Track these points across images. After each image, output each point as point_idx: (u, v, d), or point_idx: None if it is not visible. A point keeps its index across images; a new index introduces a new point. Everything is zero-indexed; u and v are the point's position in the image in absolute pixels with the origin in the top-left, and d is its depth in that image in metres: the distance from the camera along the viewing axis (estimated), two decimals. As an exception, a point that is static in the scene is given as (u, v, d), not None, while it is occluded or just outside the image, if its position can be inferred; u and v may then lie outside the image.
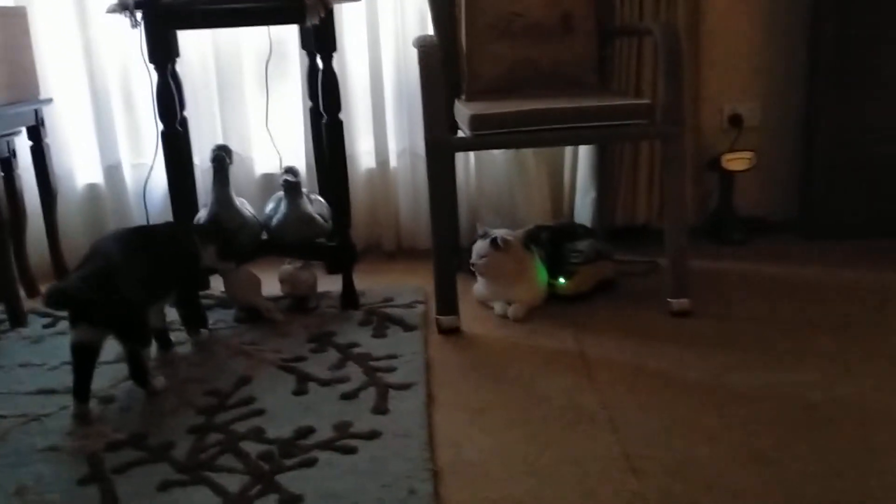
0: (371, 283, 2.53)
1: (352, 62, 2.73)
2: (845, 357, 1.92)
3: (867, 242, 2.72)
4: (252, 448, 1.62)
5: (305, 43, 2.52)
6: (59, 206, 2.66)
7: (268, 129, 2.66)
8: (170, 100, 2.11)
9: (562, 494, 1.42)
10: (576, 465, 1.51)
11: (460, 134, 2.30)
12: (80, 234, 2.80)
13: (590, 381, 1.85)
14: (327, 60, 2.18)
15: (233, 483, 1.50)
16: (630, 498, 1.40)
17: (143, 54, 2.11)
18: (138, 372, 1.85)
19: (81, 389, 1.79)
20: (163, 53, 2.08)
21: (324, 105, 2.23)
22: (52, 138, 2.62)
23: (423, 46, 2.11)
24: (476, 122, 2.08)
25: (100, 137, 2.75)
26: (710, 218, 2.87)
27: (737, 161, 2.73)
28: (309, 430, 1.67)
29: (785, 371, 1.86)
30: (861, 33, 2.64)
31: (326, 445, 1.61)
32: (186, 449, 1.63)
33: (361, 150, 2.83)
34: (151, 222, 2.62)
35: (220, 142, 2.73)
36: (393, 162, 2.83)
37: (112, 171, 2.77)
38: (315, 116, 2.58)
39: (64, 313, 1.91)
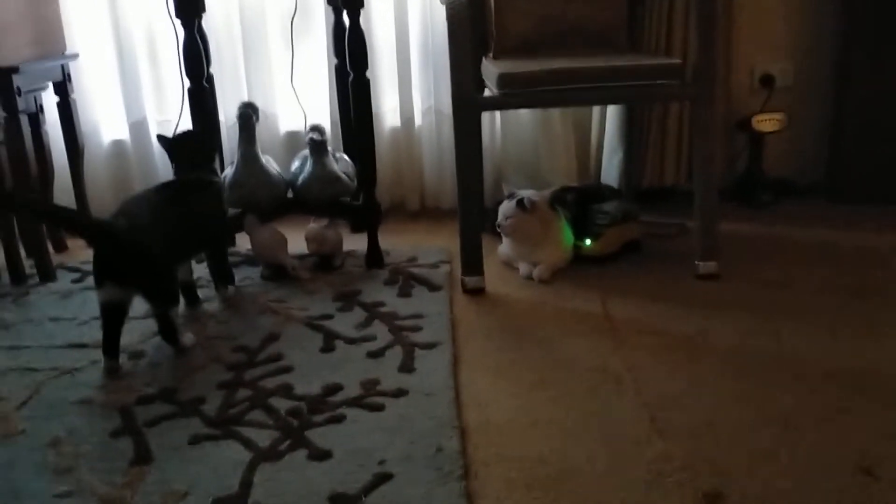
0: (395, 242, 2.53)
1: (377, 19, 2.70)
2: (872, 324, 1.90)
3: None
4: (281, 404, 1.64)
5: (331, -2, 2.51)
6: (85, 162, 2.68)
7: (293, 86, 2.65)
8: (196, 56, 2.10)
9: (587, 454, 1.43)
10: (601, 426, 1.52)
11: (487, 93, 2.27)
12: (106, 190, 2.82)
13: (615, 343, 1.85)
14: (354, 17, 2.16)
15: (262, 438, 1.52)
16: (655, 458, 1.41)
17: (169, 9, 2.10)
18: (167, 329, 1.87)
19: (111, 346, 1.82)
20: (189, 8, 2.07)
21: (350, 62, 2.22)
22: (78, 94, 2.63)
23: (452, 3, 2.08)
24: (504, 80, 2.05)
25: (125, 93, 2.75)
26: (738, 179, 2.84)
27: (767, 122, 2.69)
28: (337, 388, 1.69)
29: (811, 336, 1.85)
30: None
31: (354, 402, 1.63)
32: (216, 404, 1.65)
33: (386, 109, 2.81)
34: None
35: (246, 99, 2.72)
36: (418, 120, 2.81)
37: (137, 127, 2.78)
38: (341, 74, 2.56)
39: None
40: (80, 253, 2.63)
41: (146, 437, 1.54)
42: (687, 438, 1.47)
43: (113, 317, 1.81)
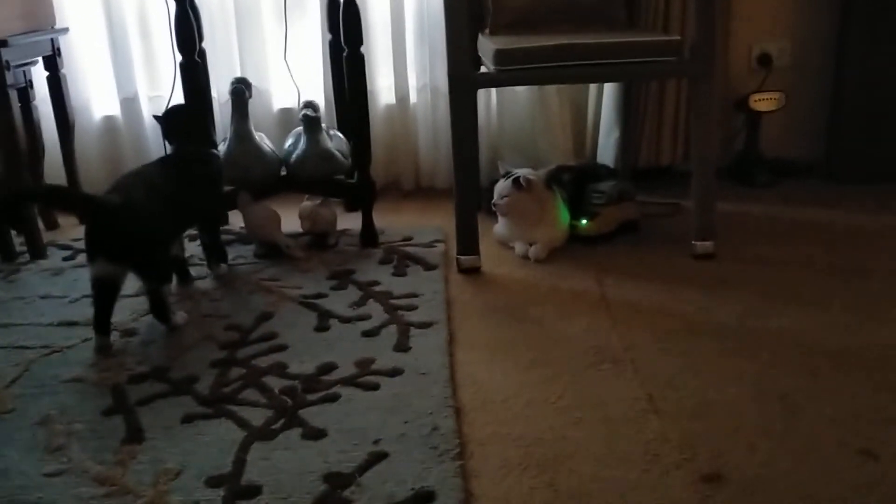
0: (390, 221, 2.51)
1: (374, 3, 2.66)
2: (870, 303, 1.90)
3: (889, 187, 2.68)
4: (275, 383, 1.62)
5: (325, -27, 2.46)
6: (76, 139, 2.64)
7: (286, 63, 2.61)
8: (188, 30, 2.07)
9: (583, 433, 1.42)
10: (597, 405, 1.51)
11: (483, 69, 2.24)
12: (97, 166, 2.79)
13: (612, 322, 1.84)
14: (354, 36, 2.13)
15: (256, 417, 1.50)
16: (652, 438, 1.40)
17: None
18: (159, 307, 1.84)
19: (102, 323, 1.80)
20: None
21: (345, 38, 2.19)
22: (68, 69, 2.58)
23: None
24: (501, 56, 2.02)
25: (116, 69, 2.71)
26: (735, 159, 2.82)
27: (765, 101, 2.67)
28: (331, 367, 1.67)
29: (808, 315, 1.84)
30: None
31: (349, 381, 1.61)
32: (209, 383, 1.63)
33: (381, 86, 2.77)
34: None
35: (238, 74, 2.69)
36: (413, 97, 2.78)
37: (128, 103, 2.74)
38: (335, 49, 2.53)
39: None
40: (72, 230, 2.59)
41: (138, 416, 1.52)
42: (685, 418, 1.46)
43: (104, 293, 1.79)
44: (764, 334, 1.76)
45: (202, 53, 2.18)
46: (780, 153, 2.83)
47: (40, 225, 2.46)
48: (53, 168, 2.63)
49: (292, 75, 2.62)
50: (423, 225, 2.49)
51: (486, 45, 2.15)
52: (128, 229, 1.75)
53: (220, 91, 2.66)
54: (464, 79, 2.05)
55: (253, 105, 2.58)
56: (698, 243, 2.17)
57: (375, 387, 1.59)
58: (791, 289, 1.99)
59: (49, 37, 2.44)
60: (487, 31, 2.33)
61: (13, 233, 2.36)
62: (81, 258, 2.31)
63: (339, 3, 2.22)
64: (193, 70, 2.10)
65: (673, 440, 1.39)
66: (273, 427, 1.47)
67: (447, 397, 1.53)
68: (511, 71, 2.04)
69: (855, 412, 1.46)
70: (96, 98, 2.78)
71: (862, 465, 1.31)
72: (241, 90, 2.19)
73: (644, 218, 2.44)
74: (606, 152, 2.73)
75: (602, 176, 2.42)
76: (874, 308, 1.87)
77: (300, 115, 2.29)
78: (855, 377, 1.58)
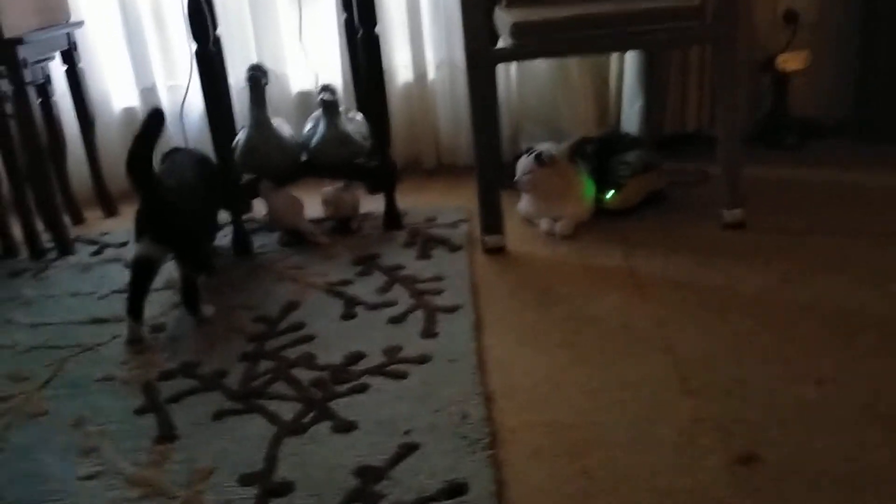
0: (413, 201, 2.48)
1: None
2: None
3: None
4: (303, 375, 1.62)
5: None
6: (97, 131, 2.64)
7: (302, 45, 2.59)
8: (202, 19, 2.04)
9: (615, 417, 1.41)
10: (629, 388, 1.49)
11: (501, 43, 2.20)
12: (119, 158, 2.77)
13: (641, 299, 1.81)
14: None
15: (286, 410, 1.51)
16: (686, 421, 1.38)
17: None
18: (190, 298, 1.85)
19: (136, 307, 1.81)
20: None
21: (359, 17, 2.15)
22: (85, 63, 2.58)
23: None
24: (518, 29, 1.98)
25: (133, 60, 2.70)
26: (762, 121, 2.75)
27: (791, 61, 2.60)
28: (359, 356, 1.67)
29: (843, 285, 1.80)
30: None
31: (377, 371, 1.61)
32: (238, 377, 1.64)
33: (398, 63, 2.74)
34: (190, 144, 2.59)
35: (254, 60, 2.67)
36: (431, 74, 2.74)
37: (147, 93, 2.73)
38: (350, 29, 2.50)
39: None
40: (98, 224, 2.61)
41: (170, 414, 1.54)
42: (718, 398, 1.43)
43: (143, 274, 1.81)
44: (797, 307, 1.72)
45: (217, 41, 2.16)
46: (808, 113, 2.75)
47: (66, 219, 2.49)
48: (76, 162, 2.64)
49: (308, 57, 2.60)
50: (446, 204, 2.46)
51: (503, 18, 2.10)
52: (179, 214, 1.79)
53: (237, 76, 2.64)
54: (481, 55, 2.01)
55: (270, 89, 2.56)
56: (727, 212, 2.13)
57: (404, 375, 1.58)
58: (824, 257, 1.94)
59: (65, 31, 2.44)
60: (504, 3, 2.28)
61: (40, 227, 2.38)
62: (109, 253, 2.33)
63: None
64: (208, 58, 2.08)
65: (707, 421, 1.37)
66: (303, 421, 1.47)
67: (476, 384, 1.52)
68: (528, 44, 2.00)
69: (893, 387, 1.43)
70: (115, 90, 2.77)
71: (902, 441, 1.29)
72: (257, 77, 2.17)
73: (671, 186, 2.40)
74: (630, 120, 2.68)
75: (627, 146, 2.38)
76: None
77: (318, 100, 2.26)
78: (893, 348, 1.54)
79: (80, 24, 2.54)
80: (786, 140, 2.68)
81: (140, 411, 1.56)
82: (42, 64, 2.43)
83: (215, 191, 2.09)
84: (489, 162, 2.09)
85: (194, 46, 2.09)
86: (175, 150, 2.14)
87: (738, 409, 1.40)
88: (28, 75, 2.22)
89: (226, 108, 2.21)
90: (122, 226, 2.55)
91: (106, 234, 2.49)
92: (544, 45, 2.01)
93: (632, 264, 1.98)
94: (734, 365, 1.53)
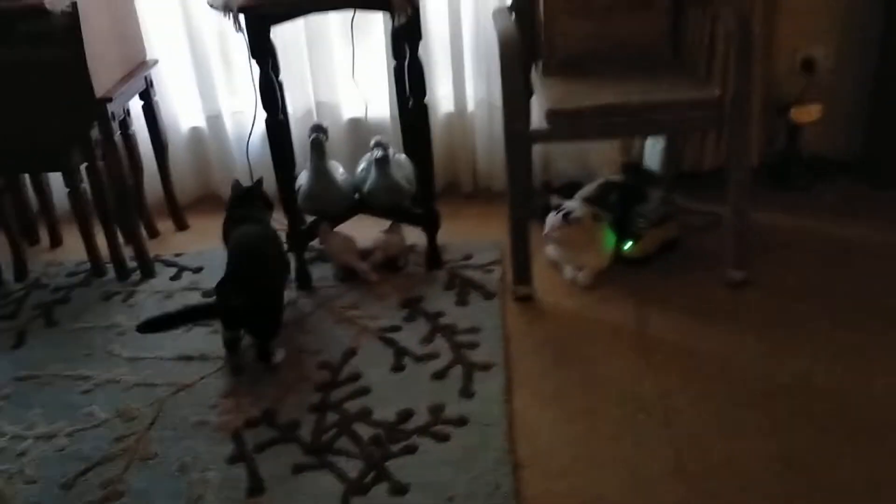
0: (451, 229, 2.71)
1: (432, 13, 2.82)
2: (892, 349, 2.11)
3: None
4: (363, 430, 1.96)
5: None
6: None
7: (354, 81, 2.84)
8: (272, 93, 2.30)
9: (617, 492, 1.74)
10: (631, 463, 1.82)
11: (535, 106, 2.45)
12: (187, 174, 3.10)
13: (647, 365, 2.12)
14: (414, 49, 2.33)
15: (350, 468, 1.85)
16: (675, 501, 1.71)
17: (247, 49, 2.28)
18: (263, 353, 2.20)
19: (233, 354, 2.24)
20: (263, 50, 2.25)
21: (410, 88, 2.41)
22: (158, 92, 2.85)
23: (504, 40, 2.24)
24: (553, 115, 2.23)
25: (201, 91, 2.97)
26: (775, 161, 2.98)
27: (805, 114, 2.81)
28: (408, 414, 2.00)
29: (831, 361, 2.07)
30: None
31: (424, 431, 1.94)
32: (310, 428, 1.98)
33: (440, 95, 2.98)
34: (253, 168, 2.84)
35: (310, 92, 2.94)
36: (470, 107, 2.99)
37: (213, 119, 3.01)
38: (398, 74, 2.74)
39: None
40: (171, 239, 2.95)
41: (257, 465, 1.89)
42: (704, 477, 1.76)
43: (235, 345, 2.24)
44: (786, 382, 2.02)
45: (284, 109, 2.43)
46: (819, 151, 2.98)
47: (143, 233, 2.81)
48: (150, 183, 2.94)
49: (360, 91, 2.86)
50: (481, 237, 2.75)
51: (540, 94, 2.35)
52: (251, 314, 2.16)
53: (294, 107, 2.91)
54: (520, 135, 2.27)
55: (322, 116, 2.88)
56: (731, 271, 2.41)
57: (446, 437, 1.92)
58: (824, 331, 2.19)
59: (144, 75, 2.70)
60: (541, 67, 2.51)
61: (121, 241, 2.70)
62: (186, 278, 2.67)
63: (402, 34, 2.41)
64: (277, 127, 2.35)
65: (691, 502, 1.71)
66: (365, 481, 1.82)
67: (507, 452, 1.86)
68: (562, 129, 2.25)
69: (870, 480, 1.71)
70: (183, 112, 3.05)
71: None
72: (319, 139, 2.45)
73: (685, 230, 2.67)
74: (652, 158, 2.93)
75: (646, 195, 2.64)
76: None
77: (372, 154, 2.54)
78: (871, 439, 1.82)
79: (155, 62, 2.80)
80: (797, 182, 2.92)
81: (232, 460, 1.91)
82: (124, 104, 2.70)
83: (284, 264, 2.43)
84: (522, 224, 2.37)
85: (265, 115, 2.35)
86: (243, 220, 2.36)
87: (725, 493, 1.72)
88: (115, 126, 2.51)
89: (290, 164, 2.48)
90: (193, 242, 2.90)
91: (180, 254, 2.82)
92: (576, 130, 2.26)
93: (641, 324, 2.28)
94: (726, 441, 1.84)
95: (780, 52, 2.88)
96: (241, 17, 2.20)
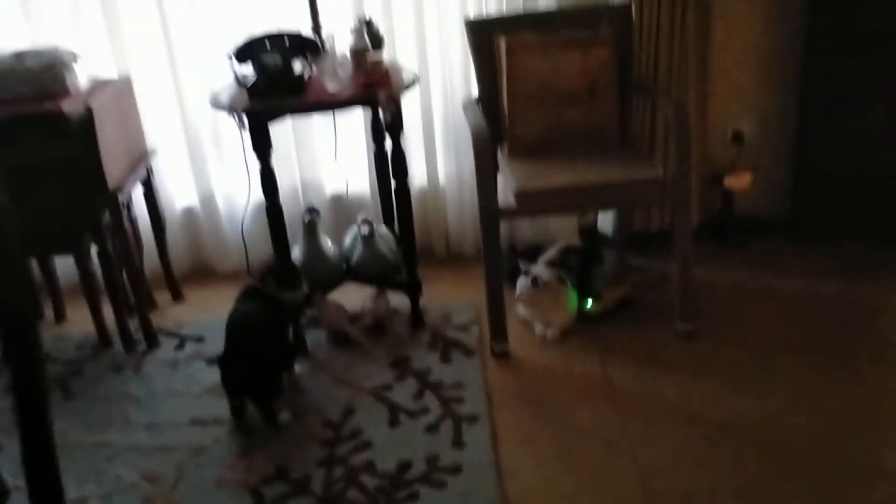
0: (428, 292, 3.00)
1: (407, 101, 3.13)
2: (824, 386, 2.46)
3: (848, 246, 3.22)
4: (368, 481, 2.23)
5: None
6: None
7: (336, 162, 3.14)
8: (272, 183, 2.59)
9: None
10: (604, 497, 2.11)
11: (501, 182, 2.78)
12: (180, 251, 3.35)
13: (614, 409, 2.43)
14: (397, 139, 2.64)
15: (362, 516, 2.12)
16: (643, 529, 2.01)
17: (243, 147, 2.58)
18: (268, 417, 2.45)
19: (239, 418, 2.48)
20: (263, 145, 2.54)
21: (393, 172, 2.72)
22: (156, 176, 3.11)
23: (476, 133, 2.57)
24: (521, 196, 2.56)
25: (195, 174, 3.24)
26: (712, 222, 3.36)
27: (737, 183, 3.20)
28: (408, 464, 2.27)
29: (772, 400, 2.41)
30: (850, 64, 3.01)
31: (423, 479, 2.21)
32: (321, 482, 2.24)
33: (415, 172, 3.28)
34: (247, 245, 3.11)
35: (297, 172, 3.23)
36: (442, 182, 3.31)
37: (206, 200, 3.27)
38: (378, 155, 3.05)
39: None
40: (169, 309, 3.19)
41: (277, 518, 2.14)
42: (668, 510, 2.07)
43: (239, 410, 2.47)
44: (732, 420, 2.34)
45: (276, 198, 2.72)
46: (750, 212, 3.36)
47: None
48: (148, 256, 3.18)
49: (342, 171, 3.16)
50: (458, 300, 3.05)
51: (507, 175, 2.68)
52: (251, 384, 2.42)
53: (283, 185, 3.17)
54: (493, 212, 2.59)
55: (306, 192, 3.17)
56: (680, 323, 2.74)
57: (444, 485, 2.19)
58: (756, 372, 2.54)
59: (146, 166, 2.96)
60: (506, 150, 2.85)
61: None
62: (189, 349, 2.90)
63: (381, 123, 2.73)
64: (277, 212, 2.64)
65: (658, 530, 2.01)
66: (376, 528, 2.09)
67: (497, 494, 2.14)
68: (529, 206, 2.59)
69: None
70: (177, 193, 3.31)
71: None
72: (313, 221, 2.75)
73: (639, 287, 3.01)
74: (606, 222, 3.28)
75: (603, 257, 2.98)
76: (828, 393, 2.43)
77: (359, 230, 2.84)
78: (808, 467, 2.14)
79: (154, 152, 3.07)
80: (732, 240, 3.30)
81: (254, 514, 2.17)
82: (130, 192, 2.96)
83: (285, 324, 2.65)
84: (497, 289, 2.68)
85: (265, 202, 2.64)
86: (249, 294, 2.60)
87: (680, 520, 2.04)
88: (124, 213, 2.77)
89: (283, 234, 2.74)
90: (190, 313, 3.14)
91: (183, 325, 3.06)
92: (541, 207, 2.60)
93: (607, 373, 2.60)
94: (684, 477, 2.14)
95: (712, 128, 3.27)
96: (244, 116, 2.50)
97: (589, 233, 3.30)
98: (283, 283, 2.61)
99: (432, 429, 2.41)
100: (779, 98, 3.26)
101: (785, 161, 3.32)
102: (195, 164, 3.23)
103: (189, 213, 3.35)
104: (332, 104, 2.55)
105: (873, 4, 2.95)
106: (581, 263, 2.94)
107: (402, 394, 2.58)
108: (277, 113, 2.54)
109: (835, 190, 3.19)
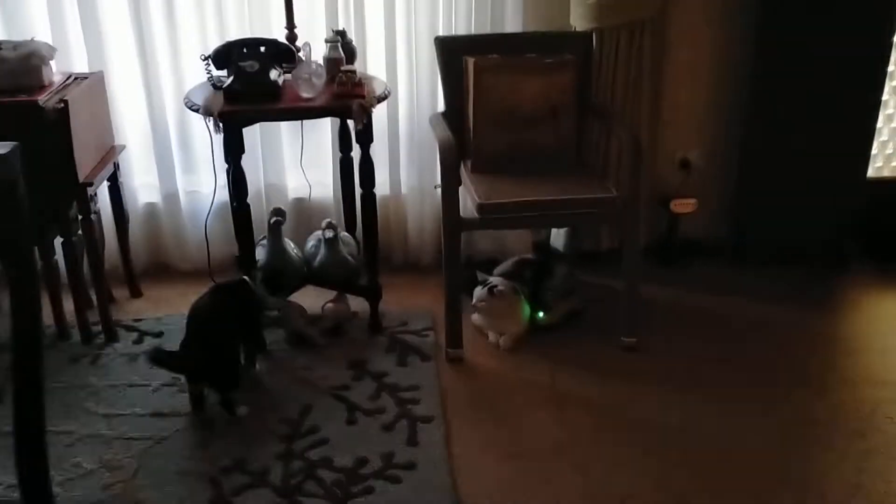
0: (386, 298, 3.09)
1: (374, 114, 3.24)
2: (749, 400, 2.64)
3: (784, 271, 3.43)
4: (326, 475, 2.31)
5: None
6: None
7: (302, 168, 3.23)
8: (242, 184, 2.67)
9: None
10: (550, 498, 2.23)
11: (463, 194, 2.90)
12: (140, 246, 3.38)
13: (560, 415, 2.56)
14: (366, 149, 2.74)
15: (319, 508, 2.20)
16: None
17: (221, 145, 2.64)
18: (227, 404, 2.52)
19: (198, 407, 2.55)
20: (236, 150, 2.62)
21: (361, 181, 2.82)
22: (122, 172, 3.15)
23: (444, 147, 2.69)
24: (483, 209, 2.69)
25: (160, 171, 3.28)
26: (658, 244, 3.53)
27: (682, 206, 3.39)
28: (364, 461, 2.36)
29: (707, 410, 2.57)
30: (791, 102, 3.23)
31: (379, 475, 2.31)
32: (279, 474, 2.31)
33: (378, 181, 3.34)
34: (210, 245, 3.17)
35: (261, 175, 3.30)
36: (404, 191, 3.41)
37: (169, 197, 3.32)
38: (343, 163, 3.14)
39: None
40: (127, 305, 3.22)
41: (237, 508, 2.21)
42: (609, 509, 2.20)
43: (199, 397, 2.55)
44: (670, 429, 2.50)
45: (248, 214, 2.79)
46: (694, 235, 3.55)
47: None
48: (109, 251, 3.21)
49: (306, 177, 3.25)
50: (415, 308, 3.16)
51: (470, 189, 2.80)
52: (210, 371, 2.49)
53: (251, 188, 3.24)
54: (456, 223, 2.71)
55: (270, 196, 3.25)
56: (625, 339, 2.90)
57: (399, 480, 2.29)
58: (692, 383, 2.72)
59: (114, 161, 3.00)
60: (469, 165, 2.97)
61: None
62: (148, 342, 2.93)
63: (349, 132, 2.83)
64: (245, 210, 2.72)
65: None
66: (333, 519, 2.17)
67: (450, 490, 2.24)
68: (490, 219, 2.71)
69: None
70: (141, 188, 3.35)
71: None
72: (279, 221, 2.82)
73: (587, 302, 3.15)
74: (558, 239, 3.43)
75: (555, 271, 3.12)
76: (755, 406, 2.62)
77: (323, 234, 2.92)
78: (740, 477, 2.32)
79: (123, 147, 3.11)
80: (676, 261, 3.48)
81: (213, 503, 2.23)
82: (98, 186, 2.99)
83: (248, 316, 2.70)
84: (456, 297, 2.79)
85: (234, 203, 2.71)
86: (220, 288, 2.67)
87: (621, 518, 2.17)
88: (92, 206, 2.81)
89: (250, 244, 2.82)
90: (147, 308, 3.18)
91: (140, 319, 3.09)
92: (501, 221, 2.73)
93: (555, 381, 2.73)
94: (622, 483, 2.28)
95: (662, 154, 3.45)
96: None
97: (541, 248, 3.44)
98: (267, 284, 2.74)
99: (388, 428, 2.51)
100: (724, 131, 3.46)
101: (727, 188, 3.52)
102: (161, 162, 3.27)
103: (150, 209, 3.38)
104: (306, 112, 2.64)
105: (818, 53, 3.15)
106: (534, 276, 3.07)
107: (360, 394, 2.67)
108: (254, 118, 2.62)
109: (773, 217, 3.40)
